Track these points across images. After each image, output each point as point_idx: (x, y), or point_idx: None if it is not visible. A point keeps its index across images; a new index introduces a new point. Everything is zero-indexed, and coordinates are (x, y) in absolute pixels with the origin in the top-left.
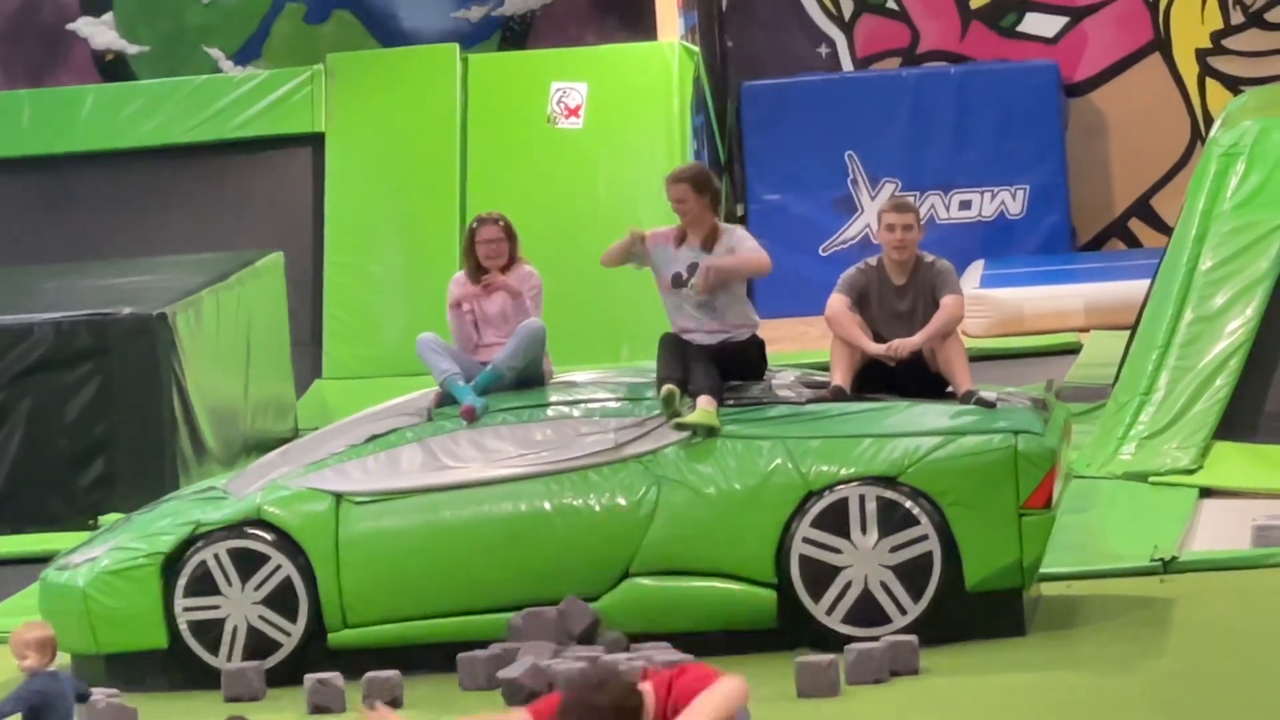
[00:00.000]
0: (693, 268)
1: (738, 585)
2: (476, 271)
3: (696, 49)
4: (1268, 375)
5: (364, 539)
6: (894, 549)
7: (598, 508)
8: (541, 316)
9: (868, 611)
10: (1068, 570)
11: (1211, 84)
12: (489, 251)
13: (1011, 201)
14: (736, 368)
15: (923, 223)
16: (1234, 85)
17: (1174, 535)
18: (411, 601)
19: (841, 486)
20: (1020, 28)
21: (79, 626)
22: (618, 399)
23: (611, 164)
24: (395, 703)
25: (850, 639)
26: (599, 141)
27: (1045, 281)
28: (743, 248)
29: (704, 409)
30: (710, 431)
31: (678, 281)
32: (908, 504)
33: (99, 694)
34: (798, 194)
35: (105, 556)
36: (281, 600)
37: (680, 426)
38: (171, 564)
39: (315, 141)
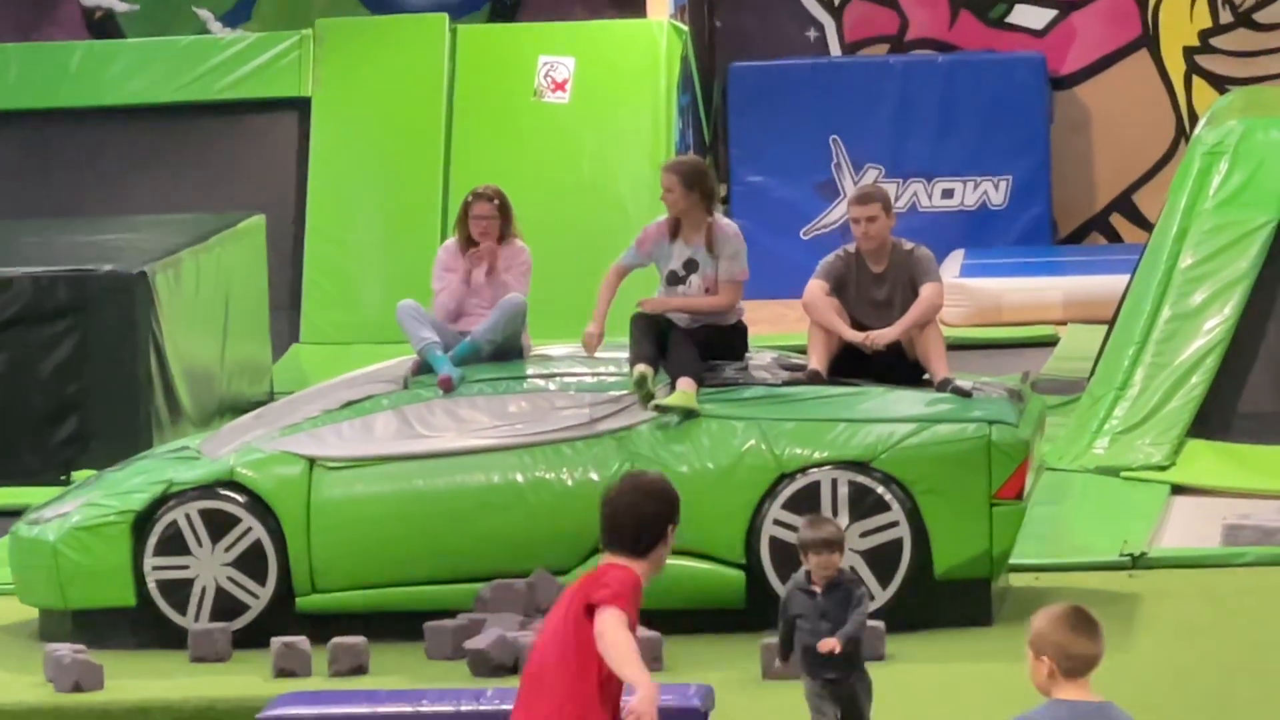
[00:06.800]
0: (690, 264)
1: (707, 565)
2: (468, 243)
3: (685, 28)
4: (1243, 374)
5: (336, 504)
6: (864, 534)
7: (570, 482)
8: (528, 293)
9: None
10: (1037, 562)
11: (1198, 82)
12: (481, 228)
13: (994, 192)
14: (717, 350)
15: (895, 208)
16: (1220, 84)
17: (1144, 531)
18: (381, 568)
19: (814, 470)
20: (1009, 19)
21: (47, 582)
22: (594, 374)
23: (596, 140)
24: (361, 669)
25: None
26: (584, 117)
27: (1025, 273)
28: (732, 269)
29: (684, 391)
30: (689, 414)
31: (673, 279)
32: (879, 490)
33: (65, 648)
34: (781, 177)
35: (76, 513)
36: (251, 562)
37: (660, 408)
38: (142, 522)
39: (301, 106)
